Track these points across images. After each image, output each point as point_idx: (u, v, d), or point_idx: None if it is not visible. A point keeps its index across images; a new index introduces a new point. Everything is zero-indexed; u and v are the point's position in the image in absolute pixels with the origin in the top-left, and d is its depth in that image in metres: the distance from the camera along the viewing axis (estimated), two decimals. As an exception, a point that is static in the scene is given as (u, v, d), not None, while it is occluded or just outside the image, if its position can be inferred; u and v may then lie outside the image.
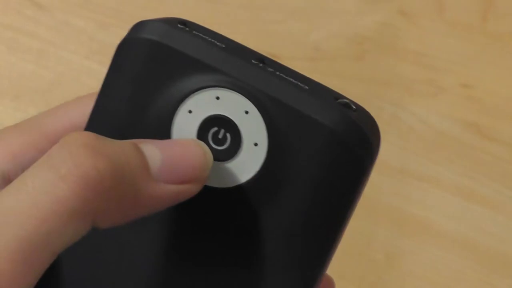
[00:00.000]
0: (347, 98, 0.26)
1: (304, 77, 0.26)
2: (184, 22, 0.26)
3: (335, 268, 0.47)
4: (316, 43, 0.53)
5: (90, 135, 0.22)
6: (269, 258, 0.25)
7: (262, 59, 0.26)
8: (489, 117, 0.51)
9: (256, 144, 0.24)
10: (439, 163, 0.50)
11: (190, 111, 0.25)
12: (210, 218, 0.25)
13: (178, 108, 0.25)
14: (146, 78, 0.25)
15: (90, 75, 0.51)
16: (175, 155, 0.24)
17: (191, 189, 0.24)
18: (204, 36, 0.26)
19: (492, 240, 0.48)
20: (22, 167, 0.25)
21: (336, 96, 0.26)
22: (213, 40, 0.26)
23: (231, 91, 0.25)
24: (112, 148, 0.22)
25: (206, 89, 0.25)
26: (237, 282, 0.25)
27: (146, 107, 0.25)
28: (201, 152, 0.24)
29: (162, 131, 0.25)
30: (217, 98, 0.25)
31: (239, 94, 0.24)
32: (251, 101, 0.24)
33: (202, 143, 0.24)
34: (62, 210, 0.21)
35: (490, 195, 0.49)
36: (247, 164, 0.25)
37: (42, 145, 0.26)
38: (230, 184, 0.25)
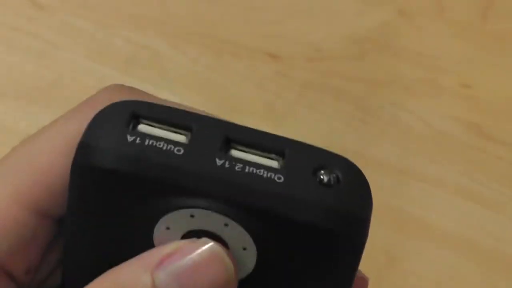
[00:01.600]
0: (331, 160, 0.23)
1: (280, 146, 0.23)
2: (137, 114, 0.23)
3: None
4: (316, 43, 0.53)
5: None
6: None
7: (229, 141, 0.23)
8: (489, 117, 0.51)
9: (244, 249, 0.23)
10: (439, 163, 0.50)
11: (168, 228, 0.23)
12: None
13: (155, 227, 0.23)
14: (110, 206, 0.23)
15: (90, 75, 0.51)
16: (195, 283, 0.21)
17: None
18: (159, 141, 0.22)
19: (492, 240, 0.48)
20: (5, 244, 0.24)
21: (317, 166, 0.23)
22: (170, 142, 0.22)
23: (203, 209, 0.22)
24: None
25: (177, 210, 0.23)
26: None
27: (120, 235, 0.24)
28: (223, 267, 0.22)
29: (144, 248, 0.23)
30: (192, 216, 0.23)
31: (213, 212, 0.22)
32: (227, 216, 0.22)
33: (219, 249, 0.22)
34: None
35: (490, 195, 0.49)
36: (239, 267, 0.23)
37: (19, 217, 0.24)
38: None
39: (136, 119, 0.23)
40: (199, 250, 0.22)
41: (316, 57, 0.52)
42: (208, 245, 0.22)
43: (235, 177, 0.22)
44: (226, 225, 0.23)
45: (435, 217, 0.48)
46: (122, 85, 0.27)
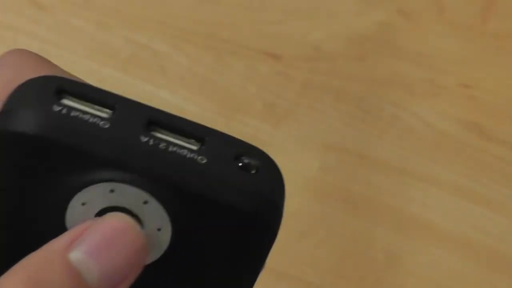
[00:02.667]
0: (250, 150, 0.23)
1: (201, 133, 0.23)
2: (62, 89, 0.23)
3: (335, 268, 0.47)
4: (316, 43, 0.53)
5: (25, 282, 0.21)
6: None
7: (152, 123, 0.23)
8: (489, 117, 0.51)
9: (159, 229, 0.23)
10: (439, 163, 0.50)
11: (83, 203, 0.23)
12: None
13: (70, 202, 0.23)
14: (26, 174, 0.23)
15: (90, 75, 0.51)
16: (113, 261, 0.22)
17: (131, 281, 0.22)
18: (84, 114, 0.22)
19: (492, 240, 0.48)
20: None
21: (237, 153, 0.23)
22: (95, 116, 0.22)
23: (125, 184, 0.22)
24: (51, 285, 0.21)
25: (97, 184, 0.22)
26: None
27: (33, 206, 0.23)
28: (139, 240, 0.22)
29: (55, 227, 0.23)
30: (111, 191, 0.22)
31: (135, 187, 0.22)
32: (148, 192, 0.22)
33: (128, 218, 0.22)
34: None
35: (490, 195, 0.49)
36: (151, 250, 0.23)
37: None
38: None
39: (60, 94, 0.23)
40: (109, 223, 0.22)
41: (316, 57, 0.52)
42: (118, 217, 0.22)
43: (160, 154, 0.22)
44: (145, 202, 0.23)
45: (435, 217, 0.48)
46: (25, 51, 0.27)
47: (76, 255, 0.21)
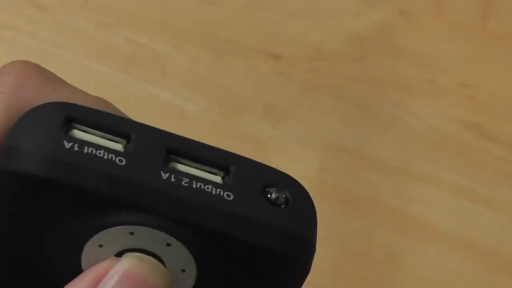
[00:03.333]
0: (279, 179, 0.22)
1: (226, 161, 0.22)
2: (72, 118, 0.21)
3: (335, 268, 0.47)
4: (316, 43, 0.53)
5: None
6: None
7: (171, 153, 0.21)
8: (489, 117, 0.51)
9: (183, 271, 0.22)
10: (439, 163, 0.50)
11: (100, 245, 0.21)
12: None
13: (86, 244, 0.21)
14: (36, 219, 0.21)
15: (90, 75, 0.51)
16: None
17: None
18: (98, 149, 0.21)
19: (492, 240, 0.48)
20: None
21: (265, 184, 0.22)
22: (110, 151, 0.21)
23: (146, 227, 0.21)
24: None
25: (116, 226, 0.21)
26: None
27: (44, 252, 0.22)
28: (161, 280, 0.21)
29: (71, 270, 0.21)
30: (131, 233, 0.21)
31: (157, 230, 0.21)
32: (171, 235, 0.21)
33: (153, 261, 0.21)
34: None
35: (490, 195, 0.49)
36: None
37: None
38: None
39: (70, 123, 0.21)
40: (131, 266, 0.21)
41: (316, 57, 0.52)
42: (139, 259, 0.21)
43: (183, 193, 0.21)
44: (168, 244, 0.21)
45: (435, 217, 0.48)
46: (28, 64, 0.25)
47: None
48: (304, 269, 0.22)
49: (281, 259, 0.21)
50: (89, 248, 0.21)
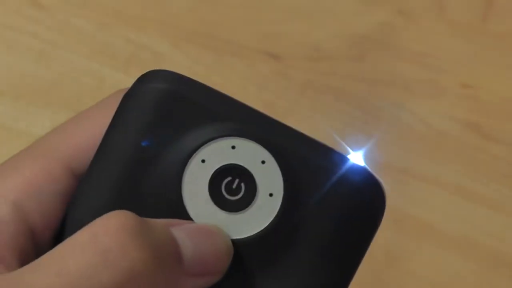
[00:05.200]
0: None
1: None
2: (187, 77, 0.25)
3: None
4: (316, 43, 0.53)
5: (134, 218, 0.22)
6: None
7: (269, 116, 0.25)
8: (489, 117, 0.51)
9: (271, 195, 0.24)
10: (439, 163, 0.50)
11: (203, 161, 0.24)
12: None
13: (191, 158, 0.24)
14: (156, 127, 0.25)
15: (90, 75, 0.51)
16: (204, 247, 0.23)
17: (213, 281, 0.23)
18: (212, 88, 0.25)
19: (492, 240, 0.48)
20: (36, 198, 0.25)
21: (346, 153, 0.25)
22: (221, 93, 0.25)
23: (248, 140, 0.24)
24: (154, 237, 0.22)
25: (222, 138, 0.24)
26: None
27: (156, 157, 0.24)
28: (227, 245, 0.24)
29: (173, 181, 0.24)
30: (233, 147, 0.24)
31: (257, 144, 0.24)
32: (268, 150, 0.24)
33: (222, 230, 0.24)
34: None
35: (490, 195, 0.49)
36: (260, 215, 0.24)
37: (55, 173, 0.25)
38: (241, 235, 0.24)
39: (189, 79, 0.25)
40: (210, 226, 0.24)
41: (316, 57, 0.52)
42: (218, 228, 0.24)
43: (281, 124, 0.25)
44: (263, 162, 0.24)
45: (435, 217, 0.48)
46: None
47: (177, 231, 0.23)
48: (376, 223, 0.24)
49: (361, 199, 0.24)
50: (193, 164, 0.24)
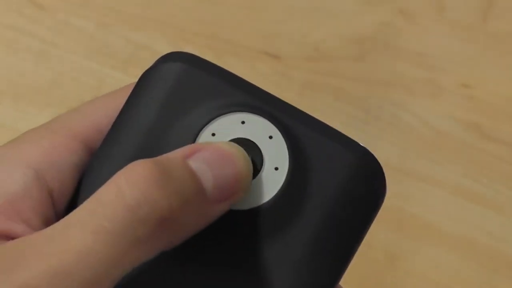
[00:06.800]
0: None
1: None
2: (204, 59, 0.26)
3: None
4: (316, 43, 0.53)
5: (153, 167, 0.23)
6: (278, 279, 0.25)
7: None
8: (489, 117, 0.51)
9: (276, 169, 0.25)
10: (439, 163, 0.50)
11: (213, 134, 0.25)
12: (222, 238, 0.25)
13: (202, 131, 0.25)
14: (170, 101, 0.26)
15: (90, 75, 0.51)
16: (224, 173, 0.24)
17: (239, 199, 0.24)
18: (227, 70, 0.26)
19: (492, 240, 0.48)
20: (56, 167, 0.26)
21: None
22: (235, 74, 0.26)
23: (258, 116, 0.25)
24: (176, 179, 0.23)
25: (233, 113, 0.25)
26: None
27: (170, 129, 0.25)
28: (245, 161, 0.24)
29: None
30: (243, 122, 0.25)
31: (265, 119, 0.25)
32: (276, 126, 0.25)
33: (240, 148, 0.25)
34: (140, 251, 0.22)
35: (490, 195, 0.49)
36: (265, 188, 0.25)
37: (72, 146, 0.27)
38: (245, 206, 0.25)
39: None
40: (223, 145, 0.24)
41: (316, 57, 0.52)
42: (230, 143, 0.25)
43: (288, 103, 0.26)
44: (270, 137, 0.25)
45: (435, 217, 0.48)
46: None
47: (195, 163, 0.24)
48: (377, 203, 0.25)
49: (363, 177, 0.25)
50: (203, 136, 0.25)
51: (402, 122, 0.51)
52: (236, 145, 0.25)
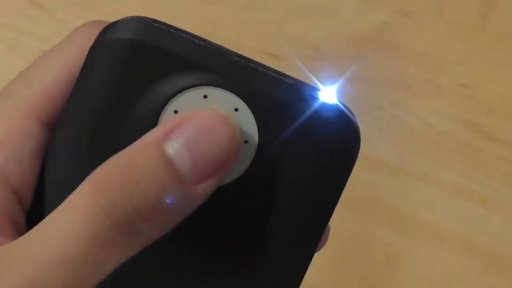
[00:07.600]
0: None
1: (283, 73, 0.25)
2: (158, 21, 0.25)
3: (335, 268, 0.47)
4: (316, 43, 0.53)
5: (115, 171, 0.22)
6: (265, 252, 0.25)
7: (241, 56, 0.25)
8: (489, 117, 0.51)
9: (246, 142, 0.24)
10: (439, 163, 0.50)
11: (176, 111, 0.24)
12: (201, 215, 0.24)
13: (163, 109, 0.24)
14: (126, 79, 0.24)
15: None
16: (203, 150, 0.22)
17: (225, 174, 0.23)
18: (182, 34, 0.25)
19: (492, 240, 0.48)
20: (15, 159, 0.25)
21: (318, 89, 0.26)
22: (192, 38, 0.25)
23: (220, 89, 0.24)
24: (144, 175, 0.22)
25: (193, 88, 0.24)
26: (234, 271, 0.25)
27: (128, 110, 0.24)
28: (230, 135, 0.23)
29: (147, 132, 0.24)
30: (205, 96, 0.24)
31: (229, 92, 0.24)
32: (241, 98, 0.24)
33: (221, 111, 0.23)
34: (118, 252, 0.22)
35: (490, 195, 0.49)
36: (236, 162, 0.24)
37: (27, 128, 0.25)
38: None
39: (157, 22, 0.25)
40: (204, 117, 0.23)
41: (316, 57, 0.52)
42: (212, 110, 0.23)
43: (251, 68, 0.24)
44: (236, 110, 0.24)
45: (435, 217, 0.48)
46: (100, 21, 0.28)
47: (172, 146, 0.22)
48: (353, 159, 0.25)
49: (336, 139, 0.24)
50: (166, 114, 0.24)
51: (402, 122, 0.51)
52: (218, 110, 0.23)
